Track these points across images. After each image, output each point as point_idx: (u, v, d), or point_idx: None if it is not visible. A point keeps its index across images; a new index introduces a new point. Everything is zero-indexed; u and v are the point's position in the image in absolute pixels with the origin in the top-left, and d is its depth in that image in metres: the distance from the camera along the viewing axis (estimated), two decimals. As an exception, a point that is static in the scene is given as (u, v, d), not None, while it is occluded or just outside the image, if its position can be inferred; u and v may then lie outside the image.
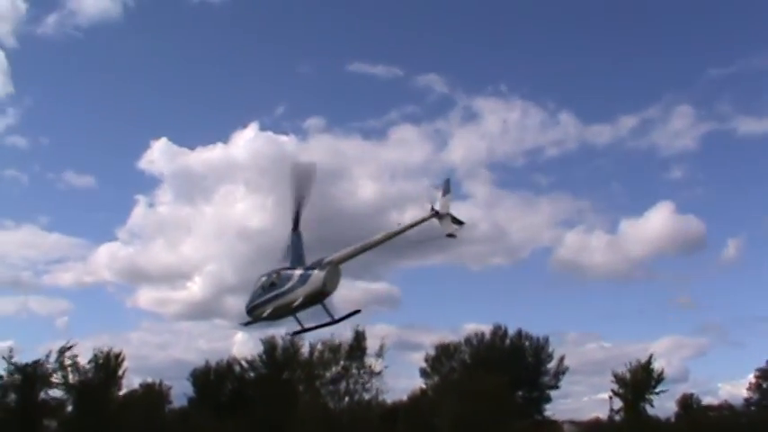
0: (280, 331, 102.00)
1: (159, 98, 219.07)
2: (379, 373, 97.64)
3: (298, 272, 34.49)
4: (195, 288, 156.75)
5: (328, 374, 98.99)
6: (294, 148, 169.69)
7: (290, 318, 36.53)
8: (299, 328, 36.77)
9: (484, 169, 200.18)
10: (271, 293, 35.05)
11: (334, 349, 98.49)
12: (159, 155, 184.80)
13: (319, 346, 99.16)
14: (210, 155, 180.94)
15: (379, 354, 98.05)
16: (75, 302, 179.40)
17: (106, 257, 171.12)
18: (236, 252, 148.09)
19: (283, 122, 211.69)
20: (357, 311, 35.10)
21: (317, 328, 36.56)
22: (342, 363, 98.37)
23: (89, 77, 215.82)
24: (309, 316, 36.28)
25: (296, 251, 35.77)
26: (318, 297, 33.87)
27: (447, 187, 34.43)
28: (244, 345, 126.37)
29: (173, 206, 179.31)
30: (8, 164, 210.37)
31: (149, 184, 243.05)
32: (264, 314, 35.55)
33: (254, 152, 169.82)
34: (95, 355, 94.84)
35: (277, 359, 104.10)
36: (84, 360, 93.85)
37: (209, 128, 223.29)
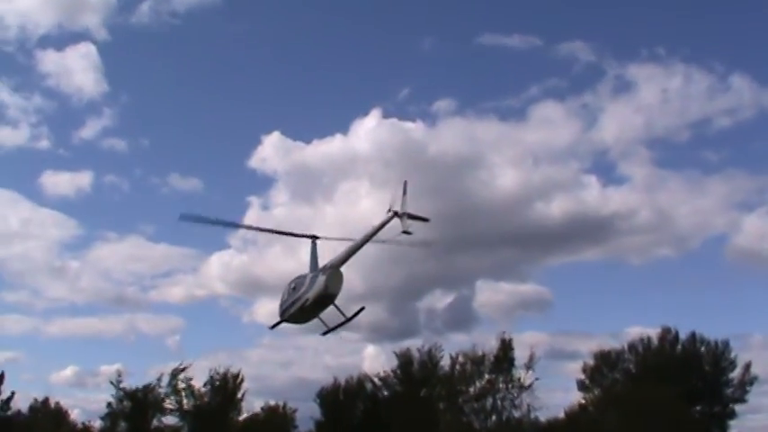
0: (416, 342, 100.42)
1: (268, 88, 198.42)
2: (529, 387, 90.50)
3: (309, 277, 39.35)
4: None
5: (472, 390, 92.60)
6: (422, 136, 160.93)
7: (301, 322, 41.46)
8: (325, 329, 40.82)
9: (642, 147, 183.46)
10: (293, 297, 39.74)
11: (477, 361, 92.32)
12: (272, 151, 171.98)
13: (461, 359, 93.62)
14: (329, 148, 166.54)
15: (529, 365, 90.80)
16: (186, 319, 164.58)
17: (218, 268, 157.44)
18: (362, 256, 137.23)
19: (409, 107, 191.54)
20: (362, 309, 40.50)
21: (336, 327, 40.40)
22: (487, 376, 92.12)
23: (190, 69, 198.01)
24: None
25: (313, 259, 40.10)
26: (326, 298, 38.61)
27: (405, 189, 38.60)
28: (375, 359, 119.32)
29: (289, 207, 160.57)
30: (107, 169, 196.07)
31: (262, 184, 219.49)
32: (286, 316, 40.34)
33: (378, 142, 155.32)
34: (211, 377, 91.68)
35: (413, 375, 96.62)
36: (199, 383, 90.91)
37: (325, 118, 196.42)
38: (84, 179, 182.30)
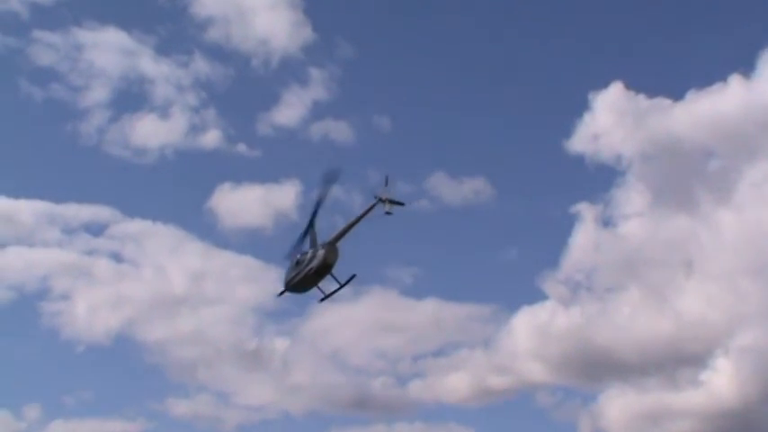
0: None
1: (596, 10, 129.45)
2: None
3: (310, 252, 49.32)
4: (720, 381, 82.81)
5: None
6: None
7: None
8: (321, 296, 50.69)
9: None
10: (297, 270, 49.81)
11: None
12: (611, 120, 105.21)
13: None
14: (716, 104, 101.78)
15: None
16: (480, 428, 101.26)
17: (528, 336, 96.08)
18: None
19: None
20: (354, 276, 49.39)
21: (333, 293, 49.93)
22: None
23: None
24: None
25: (312, 238, 50.04)
26: (326, 268, 48.36)
27: (386, 181, 48.46)
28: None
29: (650, 218, 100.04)
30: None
31: (597, 179, 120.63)
32: (290, 286, 50.46)
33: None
34: None
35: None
36: None
37: (704, 51, 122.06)
38: (286, 196, 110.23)
